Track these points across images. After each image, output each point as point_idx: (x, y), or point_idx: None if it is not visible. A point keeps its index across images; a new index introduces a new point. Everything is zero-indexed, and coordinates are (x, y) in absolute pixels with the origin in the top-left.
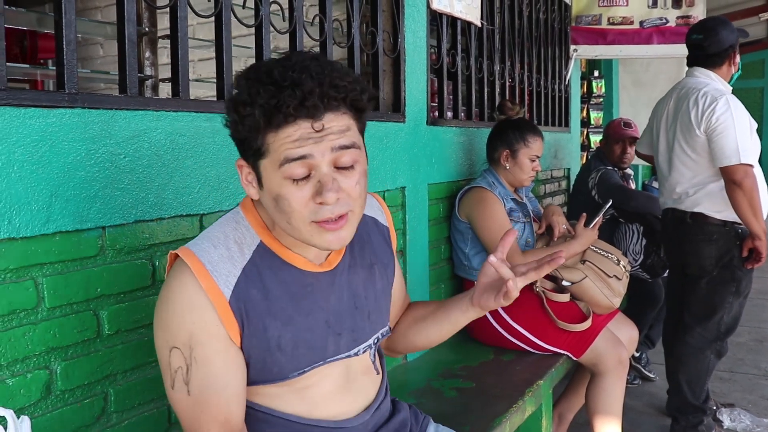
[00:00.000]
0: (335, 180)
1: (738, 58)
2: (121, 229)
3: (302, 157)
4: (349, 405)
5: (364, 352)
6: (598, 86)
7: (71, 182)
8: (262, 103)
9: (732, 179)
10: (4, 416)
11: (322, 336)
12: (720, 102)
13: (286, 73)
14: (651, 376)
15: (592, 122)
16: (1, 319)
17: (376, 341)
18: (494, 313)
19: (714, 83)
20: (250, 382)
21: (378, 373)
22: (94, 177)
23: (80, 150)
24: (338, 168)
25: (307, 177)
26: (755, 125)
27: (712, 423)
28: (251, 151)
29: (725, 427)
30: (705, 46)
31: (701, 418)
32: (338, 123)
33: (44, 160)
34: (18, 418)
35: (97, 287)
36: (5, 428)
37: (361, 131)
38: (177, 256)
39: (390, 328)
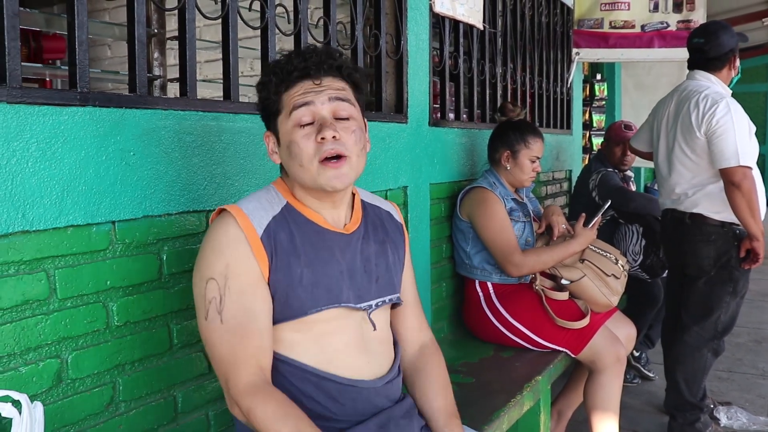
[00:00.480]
0: (333, 123)
1: (738, 62)
2: (131, 224)
3: (306, 104)
4: (364, 365)
5: (365, 309)
6: (601, 89)
7: (83, 178)
8: (277, 71)
9: (731, 181)
10: (18, 400)
11: (338, 282)
12: (720, 105)
13: (296, 53)
14: (650, 375)
15: (594, 125)
16: (15, 310)
17: (380, 303)
18: (494, 311)
19: (714, 86)
20: (274, 320)
21: (392, 349)
22: (104, 173)
23: (91, 147)
24: (337, 119)
25: (311, 123)
26: (754, 128)
27: (708, 420)
28: (271, 114)
29: (722, 425)
30: (706, 49)
31: (698, 415)
32: (336, 84)
33: (57, 157)
34: (32, 403)
35: (107, 280)
36: (20, 412)
37: (359, 104)
38: (220, 212)
39: (400, 298)
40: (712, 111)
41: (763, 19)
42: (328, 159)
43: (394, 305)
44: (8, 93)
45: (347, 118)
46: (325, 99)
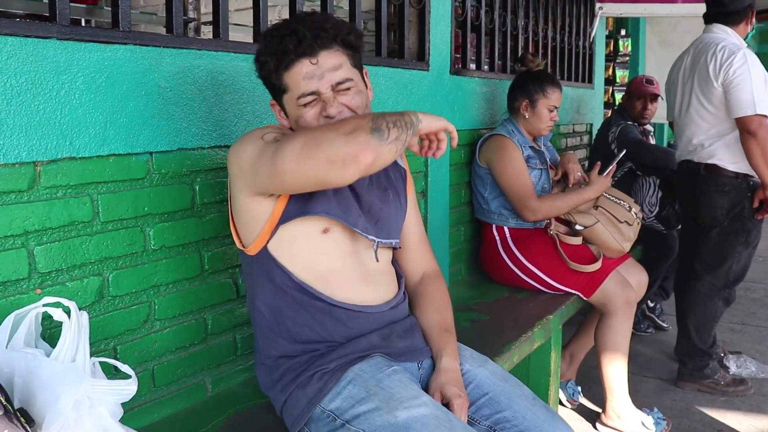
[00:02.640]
0: (335, 99)
1: (754, 18)
2: (167, 155)
3: (312, 93)
4: (369, 294)
5: (369, 240)
6: (625, 45)
7: (124, 111)
8: (272, 51)
9: (747, 129)
10: (68, 306)
11: (352, 204)
12: (738, 55)
13: (287, 26)
14: (664, 325)
15: (618, 80)
16: (63, 229)
17: (379, 243)
18: (510, 254)
19: (731, 38)
20: (288, 216)
21: (395, 279)
22: (143, 107)
23: (132, 82)
24: (337, 90)
25: (315, 100)
26: None
27: (717, 367)
28: (276, 91)
29: (731, 373)
30: (726, 2)
31: (707, 361)
32: (332, 59)
33: (101, 90)
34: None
35: (145, 206)
36: (69, 317)
37: (356, 66)
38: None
39: (399, 243)
40: (730, 61)
41: None
42: None
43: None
44: (58, 30)
45: (348, 88)
46: (326, 84)
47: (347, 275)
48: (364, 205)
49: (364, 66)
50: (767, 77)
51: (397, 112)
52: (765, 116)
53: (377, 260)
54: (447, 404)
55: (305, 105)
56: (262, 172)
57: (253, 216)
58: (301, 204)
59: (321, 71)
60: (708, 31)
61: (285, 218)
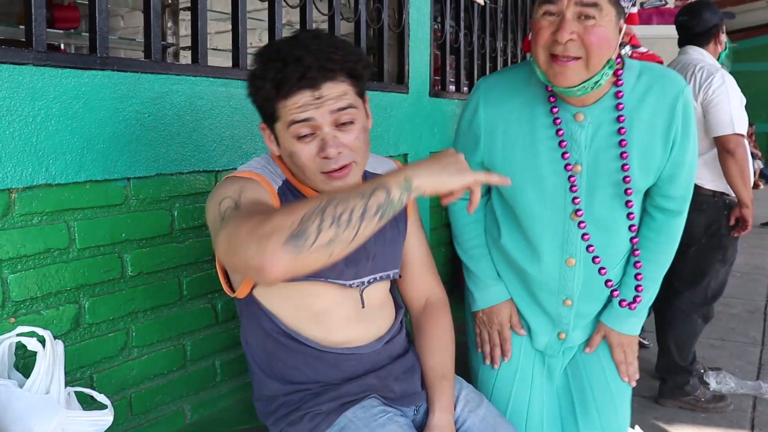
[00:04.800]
0: (336, 137)
1: (723, 38)
2: (145, 181)
3: (305, 120)
4: (362, 332)
5: (356, 286)
6: None
7: (101, 137)
8: (271, 77)
9: (726, 148)
10: (43, 336)
11: None
12: (716, 76)
13: (291, 51)
14: (645, 343)
15: None
16: (38, 257)
17: (371, 281)
18: None
19: (707, 59)
20: None
21: (392, 310)
22: (121, 133)
23: (109, 108)
24: (338, 126)
25: (313, 135)
26: (744, 100)
27: (698, 384)
28: (268, 116)
29: (711, 389)
30: (690, 26)
31: (687, 378)
32: (336, 90)
33: (78, 116)
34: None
35: (122, 232)
36: (44, 347)
37: (360, 94)
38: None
39: (399, 273)
40: (709, 81)
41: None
42: (329, 172)
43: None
44: (34, 56)
45: (351, 122)
46: (326, 113)
47: (340, 315)
48: None
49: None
50: (743, 98)
51: (376, 184)
52: (742, 135)
53: (363, 306)
54: None
55: (299, 138)
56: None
57: None
58: None
59: (321, 101)
60: (683, 53)
61: None
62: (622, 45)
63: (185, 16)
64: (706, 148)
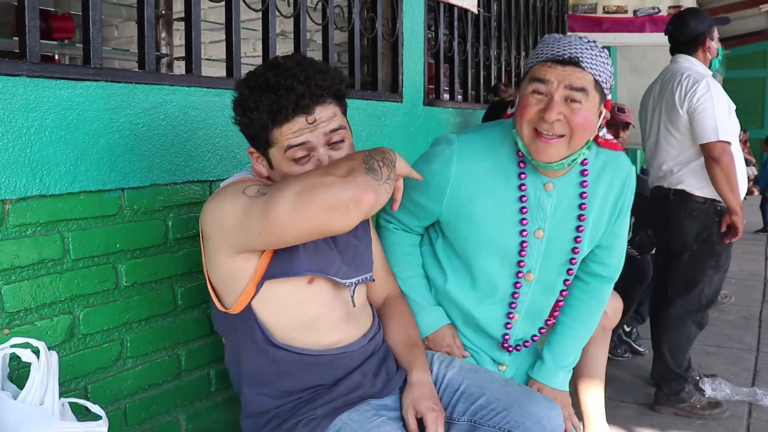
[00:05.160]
0: (330, 156)
1: (712, 45)
2: (139, 191)
3: (301, 144)
4: (352, 332)
5: (348, 286)
6: None
7: (95, 147)
8: (266, 108)
9: (711, 155)
10: (37, 347)
11: (332, 255)
12: (701, 84)
13: (280, 80)
14: (640, 349)
15: None
16: (32, 268)
17: (359, 281)
18: None
19: (695, 67)
20: (273, 273)
21: (370, 310)
22: (115, 143)
23: (103, 119)
24: (331, 145)
25: (308, 156)
26: (733, 107)
27: (693, 390)
28: (261, 143)
29: (707, 396)
30: (676, 35)
31: (683, 385)
32: (326, 112)
33: (72, 127)
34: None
35: (117, 243)
36: (38, 358)
37: (344, 112)
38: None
39: (372, 276)
40: (694, 89)
41: (761, 6)
42: None
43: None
44: (28, 67)
45: (342, 140)
46: (320, 135)
47: (333, 319)
48: (340, 247)
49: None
50: (731, 104)
51: (378, 149)
52: (728, 142)
53: (354, 305)
54: (421, 419)
55: (296, 160)
56: (252, 230)
57: (237, 275)
58: (285, 263)
59: (315, 125)
60: (674, 62)
61: (270, 275)
62: (600, 127)
63: (179, 27)
64: (694, 156)
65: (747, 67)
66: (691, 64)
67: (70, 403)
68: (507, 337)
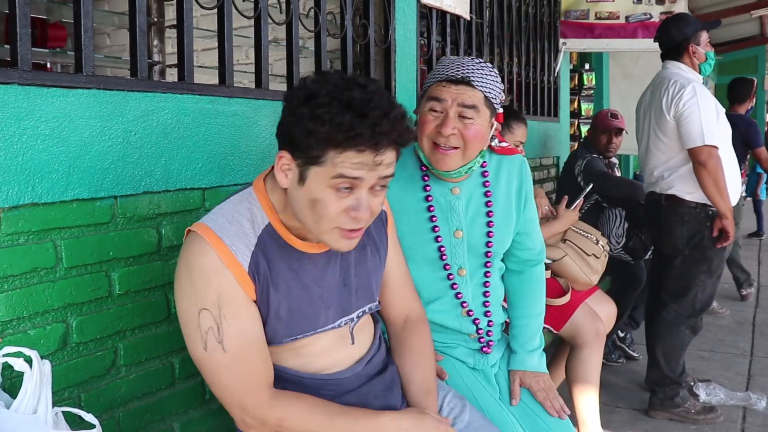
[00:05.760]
0: (369, 200)
1: (699, 50)
2: (132, 199)
3: (354, 178)
4: (343, 358)
5: (346, 324)
6: (589, 79)
7: (88, 155)
8: (341, 127)
9: (697, 160)
10: (30, 356)
11: (316, 309)
12: (687, 89)
13: (366, 106)
14: (635, 355)
15: (583, 114)
16: (24, 276)
17: (360, 314)
18: None
19: (684, 73)
20: None
21: (372, 329)
22: (107, 151)
23: (96, 127)
24: (374, 190)
25: (350, 191)
26: (722, 110)
27: (687, 395)
28: (305, 156)
29: (701, 400)
30: (662, 42)
31: (677, 390)
32: (390, 157)
33: (64, 135)
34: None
35: (109, 251)
36: (30, 367)
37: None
38: (192, 235)
39: (379, 302)
40: (680, 95)
41: (752, 12)
42: (346, 230)
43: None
44: (19, 75)
45: (384, 186)
46: (375, 176)
47: (321, 346)
48: (339, 280)
49: None
50: (720, 109)
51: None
52: (715, 147)
53: (353, 342)
54: None
55: (337, 190)
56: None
57: None
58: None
59: (376, 166)
60: (664, 68)
61: None
62: (492, 138)
63: (171, 34)
64: (683, 161)
65: (739, 72)
66: (680, 70)
67: (63, 412)
68: (477, 322)
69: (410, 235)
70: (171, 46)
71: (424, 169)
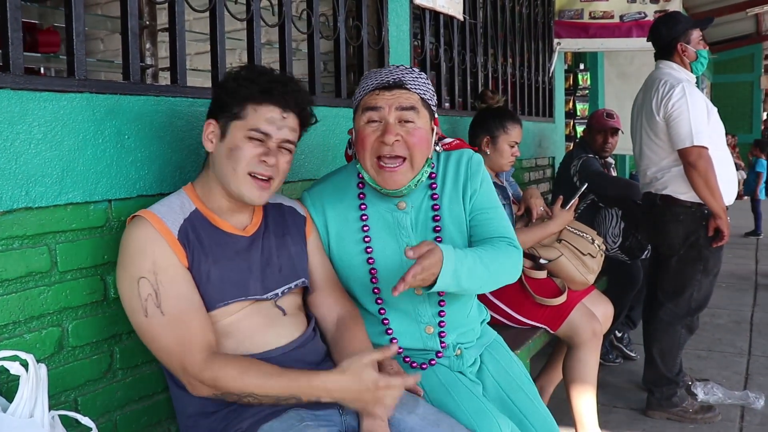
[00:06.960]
0: (275, 152)
1: (689, 48)
2: (126, 203)
3: (266, 134)
4: (272, 338)
5: (272, 297)
6: (584, 79)
7: (81, 159)
8: (261, 83)
9: (687, 161)
10: (26, 360)
11: (244, 277)
12: (677, 89)
13: (280, 77)
14: (632, 355)
15: (578, 114)
16: (19, 281)
17: (285, 291)
18: None
19: (675, 73)
20: None
21: (304, 320)
22: (101, 155)
23: (89, 130)
24: (280, 148)
25: (261, 143)
26: (714, 109)
27: (685, 395)
28: (228, 113)
29: (699, 400)
30: (653, 42)
31: (675, 389)
32: (293, 122)
33: (57, 139)
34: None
35: (104, 254)
36: (27, 370)
37: (300, 137)
38: (134, 218)
39: (305, 280)
40: (669, 95)
41: (747, 10)
42: (258, 177)
43: (304, 288)
44: (12, 80)
45: (288, 150)
46: (280, 136)
47: (248, 324)
48: (262, 259)
49: None
50: (711, 109)
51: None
52: (704, 148)
53: (285, 314)
54: None
55: (251, 139)
56: (137, 328)
57: None
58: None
59: (283, 124)
60: (656, 68)
61: None
62: (435, 143)
63: (164, 38)
64: (675, 161)
65: (735, 71)
66: (671, 69)
67: (60, 415)
68: (443, 335)
69: (347, 257)
70: (164, 50)
71: (361, 186)
